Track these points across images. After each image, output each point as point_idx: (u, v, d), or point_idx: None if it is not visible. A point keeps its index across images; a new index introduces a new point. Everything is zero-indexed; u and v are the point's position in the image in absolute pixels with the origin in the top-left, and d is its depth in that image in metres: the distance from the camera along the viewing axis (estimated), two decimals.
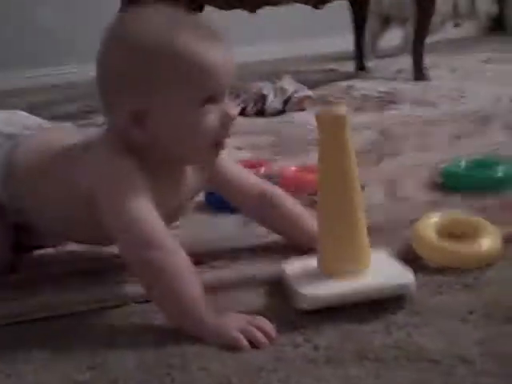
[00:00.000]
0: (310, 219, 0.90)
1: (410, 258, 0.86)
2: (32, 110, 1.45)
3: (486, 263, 0.83)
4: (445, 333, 0.70)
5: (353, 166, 0.77)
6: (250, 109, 1.91)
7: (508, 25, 3.54)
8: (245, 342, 0.69)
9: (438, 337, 0.69)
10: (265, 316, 0.74)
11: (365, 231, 0.78)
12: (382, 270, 0.78)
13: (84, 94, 2.67)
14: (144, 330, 0.76)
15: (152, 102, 0.76)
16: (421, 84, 2.23)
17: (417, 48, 2.34)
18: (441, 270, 0.83)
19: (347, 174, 0.76)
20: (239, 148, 1.51)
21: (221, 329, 0.70)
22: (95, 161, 0.81)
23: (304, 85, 1.98)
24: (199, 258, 0.87)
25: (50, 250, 1.01)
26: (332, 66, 2.92)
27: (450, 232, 0.88)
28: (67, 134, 0.98)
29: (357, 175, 0.77)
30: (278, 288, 0.83)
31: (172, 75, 0.75)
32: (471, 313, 0.73)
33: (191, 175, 0.87)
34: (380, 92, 2.10)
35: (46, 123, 1.00)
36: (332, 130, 0.76)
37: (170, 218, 0.84)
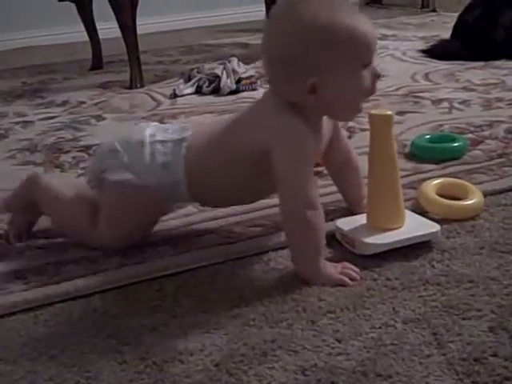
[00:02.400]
0: (365, 190, 1.16)
1: (418, 212, 1.18)
2: None
3: (475, 214, 1.17)
4: (470, 263, 1.02)
5: (395, 152, 1.07)
6: (206, 88, 2.15)
7: None
8: (348, 280, 0.98)
9: (467, 266, 1.01)
10: (335, 261, 1.04)
11: (402, 198, 1.09)
12: (415, 222, 1.10)
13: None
14: (269, 274, 1.03)
15: (326, 73, 0.96)
16: None
17: None
18: (444, 221, 1.15)
19: (393, 158, 1.07)
20: None
21: (330, 274, 0.99)
22: (274, 122, 1.00)
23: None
24: None
25: None
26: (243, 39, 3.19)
27: (445, 192, 1.21)
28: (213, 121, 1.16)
29: (397, 158, 1.08)
30: (332, 240, 1.12)
31: (342, 49, 0.96)
32: (481, 248, 1.06)
33: (325, 130, 1.07)
34: None
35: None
36: (382, 126, 1.05)
37: None
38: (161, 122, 1.87)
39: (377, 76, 1.00)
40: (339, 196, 1.23)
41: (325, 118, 1.06)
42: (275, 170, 1.00)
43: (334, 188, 1.24)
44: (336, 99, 1.00)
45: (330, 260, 1.04)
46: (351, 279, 0.99)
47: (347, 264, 1.02)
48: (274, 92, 1.04)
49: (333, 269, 1.00)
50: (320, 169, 1.30)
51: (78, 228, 1.13)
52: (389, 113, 1.06)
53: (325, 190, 1.25)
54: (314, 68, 0.97)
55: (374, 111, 1.07)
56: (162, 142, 1.08)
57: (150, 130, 1.10)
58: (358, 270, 1.01)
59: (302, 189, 0.99)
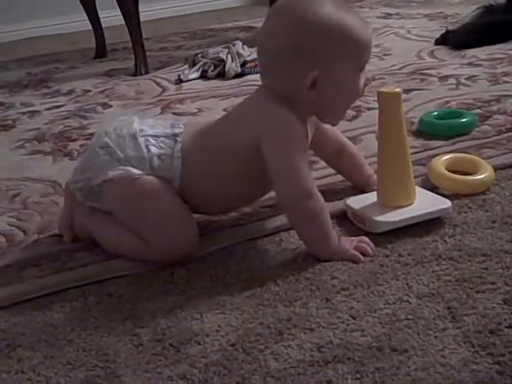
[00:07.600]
0: (368, 168, 1.19)
1: (428, 188, 1.18)
2: None
3: (486, 188, 1.17)
4: (482, 237, 1.02)
5: (405, 129, 1.07)
6: (211, 72, 2.15)
7: None
8: (360, 256, 0.99)
9: (480, 240, 1.01)
10: None
11: (412, 175, 1.09)
12: (426, 199, 1.10)
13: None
14: (281, 254, 1.04)
15: (326, 69, 0.97)
16: None
17: None
18: (455, 196, 1.15)
19: (402, 135, 1.06)
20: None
21: (342, 250, 0.99)
22: (264, 113, 1.00)
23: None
24: None
25: None
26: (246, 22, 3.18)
27: (455, 167, 1.21)
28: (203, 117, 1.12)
29: (406, 135, 1.08)
30: (343, 219, 1.13)
31: (343, 49, 0.97)
32: (493, 222, 1.06)
33: (309, 131, 1.05)
34: None
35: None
36: (391, 103, 1.05)
37: None
38: (167, 107, 1.88)
39: (368, 81, 1.01)
40: None
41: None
42: (267, 163, 0.98)
43: None
44: (334, 96, 1.00)
45: None
46: (364, 254, 0.99)
47: (364, 238, 1.02)
48: (267, 86, 1.03)
49: (348, 244, 1.00)
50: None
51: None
52: (397, 90, 1.05)
53: (331, 170, 1.25)
54: (317, 62, 0.97)
55: (382, 89, 1.07)
56: (153, 136, 1.04)
57: (138, 125, 1.06)
58: (372, 245, 1.01)
59: (297, 180, 0.98)
